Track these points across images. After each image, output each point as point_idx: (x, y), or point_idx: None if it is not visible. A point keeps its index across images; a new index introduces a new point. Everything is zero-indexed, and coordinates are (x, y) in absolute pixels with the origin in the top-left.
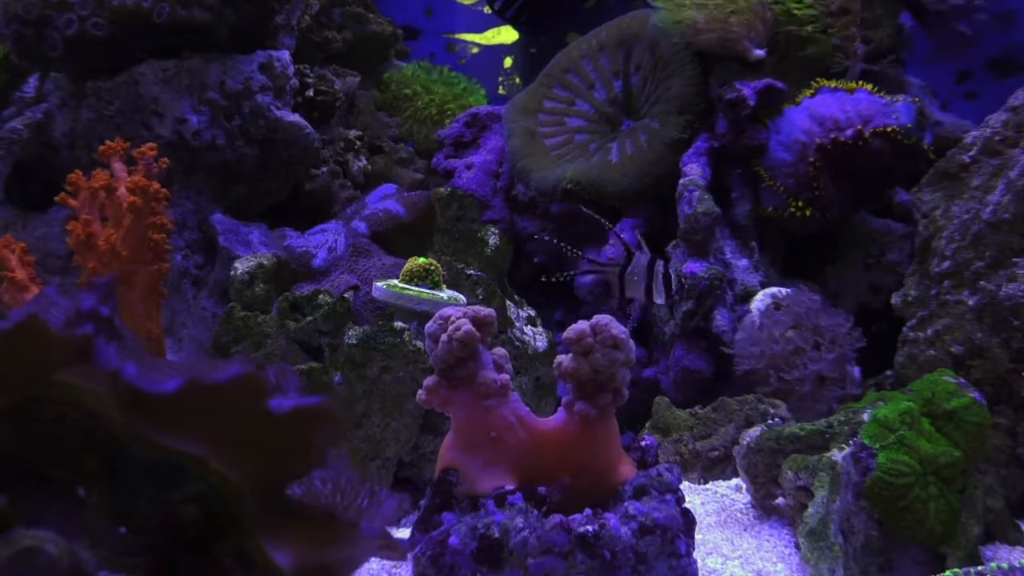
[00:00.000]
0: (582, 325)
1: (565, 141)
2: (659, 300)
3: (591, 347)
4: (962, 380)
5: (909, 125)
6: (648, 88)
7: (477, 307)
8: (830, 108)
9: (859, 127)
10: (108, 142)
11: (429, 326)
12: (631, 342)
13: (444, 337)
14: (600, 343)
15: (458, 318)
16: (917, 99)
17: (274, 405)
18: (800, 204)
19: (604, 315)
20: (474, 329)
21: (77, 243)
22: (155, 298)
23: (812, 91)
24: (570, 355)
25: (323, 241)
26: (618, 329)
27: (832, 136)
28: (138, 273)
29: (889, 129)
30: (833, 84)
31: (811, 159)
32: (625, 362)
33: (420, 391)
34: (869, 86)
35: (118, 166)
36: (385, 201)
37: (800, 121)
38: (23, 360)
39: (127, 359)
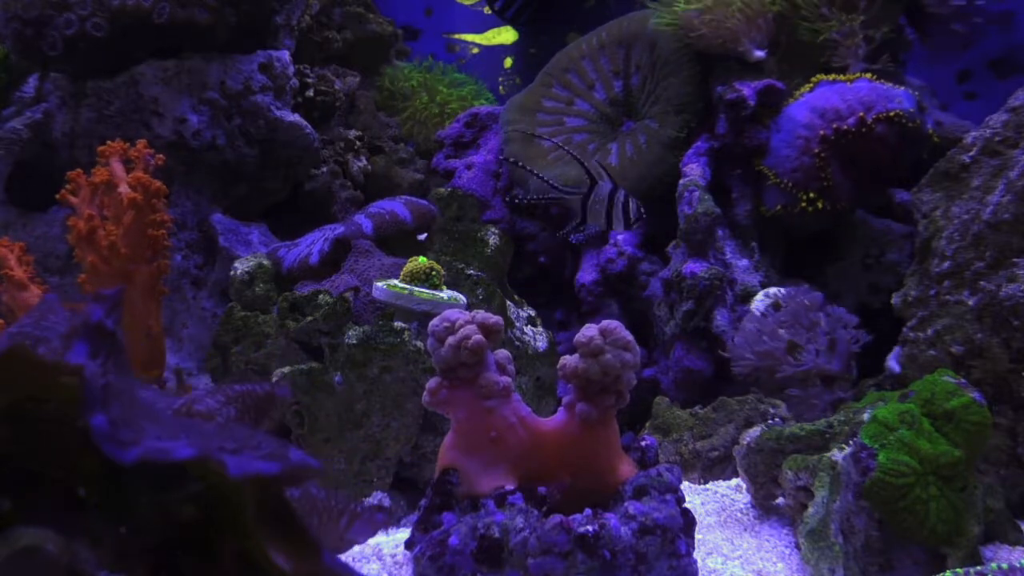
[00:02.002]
0: (591, 330)
1: (563, 142)
2: (618, 228)
3: (602, 349)
4: (962, 380)
5: (912, 111)
6: (648, 88)
7: (485, 314)
8: (830, 99)
9: (861, 114)
10: (108, 143)
11: (434, 324)
12: (638, 347)
13: (451, 340)
14: (611, 344)
15: (466, 323)
16: (916, 91)
17: (233, 468)
18: (810, 196)
19: (611, 320)
20: (484, 339)
21: (78, 238)
22: (155, 296)
23: (810, 86)
24: (577, 355)
25: (319, 236)
26: (627, 333)
27: (835, 126)
28: (138, 270)
29: (892, 114)
30: (832, 77)
31: (816, 151)
32: (632, 365)
33: (425, 394)
34: (869, 75)
35: (117, 166)
36: (392, 202)
37: (800, 116)
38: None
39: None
